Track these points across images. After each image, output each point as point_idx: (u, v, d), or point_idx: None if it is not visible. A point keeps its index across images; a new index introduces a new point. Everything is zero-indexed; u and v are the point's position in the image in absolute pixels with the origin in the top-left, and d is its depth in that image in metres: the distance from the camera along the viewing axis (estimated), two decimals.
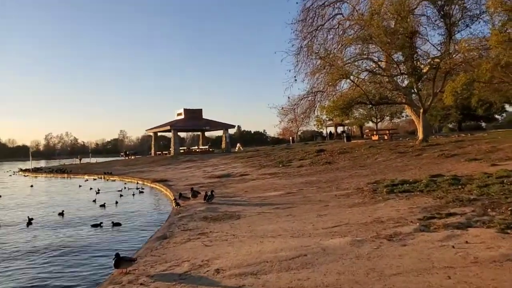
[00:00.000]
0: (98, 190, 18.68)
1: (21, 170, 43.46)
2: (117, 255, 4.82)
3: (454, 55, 19.86)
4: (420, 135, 21.95)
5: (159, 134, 55.86)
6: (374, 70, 22.19)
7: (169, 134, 45.60)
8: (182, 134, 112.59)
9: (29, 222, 10.66)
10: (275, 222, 7.71)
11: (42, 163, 64.47)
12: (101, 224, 9.90)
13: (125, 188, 18.92)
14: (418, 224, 5.99)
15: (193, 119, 46.92)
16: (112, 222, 9.89)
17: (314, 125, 29.04)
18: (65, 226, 10.33)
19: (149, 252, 6.05)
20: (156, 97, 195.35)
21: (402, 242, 5.24)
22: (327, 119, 29.06)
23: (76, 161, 58.51)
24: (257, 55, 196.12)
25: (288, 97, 25.42)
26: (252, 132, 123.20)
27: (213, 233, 7.19)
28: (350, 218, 7.20)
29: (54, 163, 62.97)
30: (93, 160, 61.26)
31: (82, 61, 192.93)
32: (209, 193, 11.06)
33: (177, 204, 10.26)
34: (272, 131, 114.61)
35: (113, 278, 4.76)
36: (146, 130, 52.60)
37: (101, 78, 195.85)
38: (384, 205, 8.03)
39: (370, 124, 50.20)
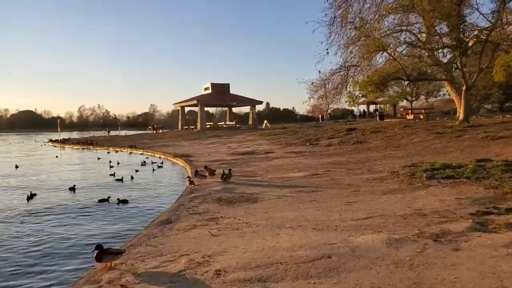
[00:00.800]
0: (118, 163, 18.33)
1: (51, 140, 44.49)
2: (98, 246, 4.01)
3: (506, 27, 17.63)
4: (461, 114, 20.04)
5: (186, 108, 55.62)
6: (414, 43, 20.22)
7: (197, 109, 44.94)
8: (211, 110, 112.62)
9: (30, 197, 10.15)
10: (296, 208, 6.73)
11: (74, 134, 66.20)
12: (109, 199, 9.30)
13: (144, 163, 18.42)
14: (471, 221, 4.82)
15: (221, 94, 46.07)
16: (118, 199, 9.25)
17: (346, 101, 27.27)
18: (71, 203, 9.77)
19: (146, 240, 5.25)
20: (187, 72, 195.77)
21: (454, 245, 4.13)
22: (360, 95, 27.19)
23: (105, 133, 59.48)
24: (288, 25, 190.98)
25: (319, 72, 23.83)
26: (281, 110, 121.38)
27: (224, 219, 6.31)
28: (384, 207, 6.11)
29: (87, 134, 64.36)
30: (122, 132, 62.28)
31: (113, 35, 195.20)
32: (226, 171, 10.19)
33: (191, 182, 9.47)
34: (302, 109, 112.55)
35: (92, 275, 3.97)
36: (173, 104, 52.42)
37: (132, 51, 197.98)
38: (424, 193, 6.84)
39: (404, 103, 47.61)
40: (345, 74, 24.72)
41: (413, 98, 41.13)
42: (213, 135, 34.71)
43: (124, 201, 9.22)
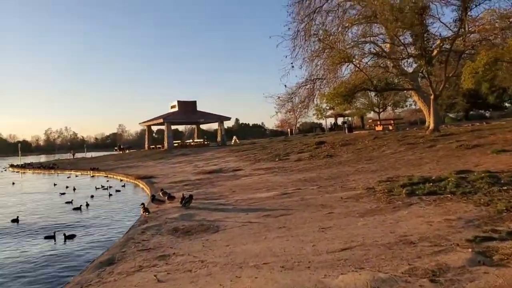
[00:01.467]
0: (74, 189, 16.77)
1: (11, 165, 41.61)
2: None
3: (469, 35, 17.79)
4: (430, 124, 19.94)
5: (155, 127, 53.92)
6: (379, 53, 20.10)
7: (166, 127, 43.40)
8: (180, 128, 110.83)
9: None
10: (262, 238, 5.76)
11: (42, 158, 62.65)
12: (55, 236, 7.97)
13: (102, 187, 16.94)
14: (470, 250, 4.01)
15: (188, 111, 44.88)
16: (64, 235, 7.94)
17: (314, 114, 27.01)
18: (8, 240, 8.36)
19: None
20: (154, 91, 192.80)
21: (458, 287, 3.27)
22: (327, 108, 26.90)
23: (70, 156, 56.50)
24: (255, 42, 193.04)
25: (285, 86, 23.29)
26: (251, 125, 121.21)
27: (176, 257, 5.24)
28: (364, 234, 5.24)
29: (53, 158, 60.89)
30: (89, 154, 59.39)
31: (80, 57, 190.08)
32: (186, 195, 9.10)
33: (146, 210, 8.30)
34: (271, 123, 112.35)
35: None
36: (139, 124, 50.62)
37: (99, 73, 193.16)
38: (407, 214, 6.06)
39: (371, 114, 48.19)
40: (311, 87, 24.36)
41: (381, 110, 41.60)
42: (180, 154, 33.37)
43: (71, 236, 7.92)
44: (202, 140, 46.23)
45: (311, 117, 53.04)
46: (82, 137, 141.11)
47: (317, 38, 20.24)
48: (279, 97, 24.01)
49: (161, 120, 42.55)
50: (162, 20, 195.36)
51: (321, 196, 8.90)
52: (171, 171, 20.87)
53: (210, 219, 7.56)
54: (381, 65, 20.67)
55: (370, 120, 35.84)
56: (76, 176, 26.86)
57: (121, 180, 20.37)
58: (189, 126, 57.86)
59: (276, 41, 21.77)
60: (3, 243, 8.07)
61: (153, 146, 46.18)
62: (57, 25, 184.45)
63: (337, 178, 11.84)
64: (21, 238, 8.49)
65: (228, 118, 47.13)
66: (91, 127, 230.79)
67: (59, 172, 30.84)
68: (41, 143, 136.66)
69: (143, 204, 8.31)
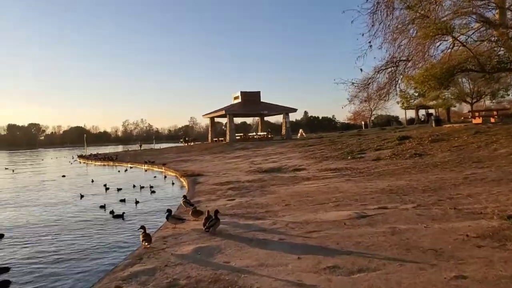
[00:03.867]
0: (119, 189, 14.93)
1: (79, 156, 42.95)
2: None
3: None
4: None
5: (218, 120, 52.54)
6: (492, 21, 15.28)
7: (228, 119, 41.30)
8: (249, 120, 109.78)
9: None
10: None
11: (119, 148, 65.32)
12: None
13: (142, 187, 14.87)
14: None
15: (250, 102, 42.32)
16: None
17: (399, 102, 22.35)
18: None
19: None
20: (225, 83, 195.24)
21: None
22: (415, 94, 22.13)
23: (138, 146, 57.72)
24: (327, 19, 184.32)
25: (361, 69, 19.17)
26: (320, 118, 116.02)
27: None
28: None
29: (129, 148, 63.01)
30: (157, 146, 60.34)
31: (152, 54, 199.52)
32: (213, 215, 6.16)
33: (146, 238, 5.47)
34: (342, 116, 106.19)
35: None
36: (203, 116, 49.37)
37: (175, 67, 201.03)
38: None
39: (456, 108, 41.42)
40: (393, 71, 19.96)
41: (474, 100, 35.02)
42: (241, 148, 30.91)
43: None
44: (265, 133, 43.45)
45: (388, 108, 47.62)
46: (157, 128, 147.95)
47: (405, 5, 15.98)
48: (353, 83, 20.03)
49: (223, 112, 40.56)
50: (222, 14, 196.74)
51: (426, 228, 5.37)
52: (224, 167, 18.29)
53: (237, 265, 4.52)
54: (491, 38, 15.82)
55: (468, 111, 29.72)
56: (131, 168, 25.80)
57: (165, 177, 18.29)
58: (257, 118, 55.19)
59: (351, 17, 17.68)
60: None
61: (216, 139, 44.58)
62: (133, 26, 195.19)
63: (440, 190, 8.07)
64: None
65: (294, 110, 43.67)
66: (165, 119, 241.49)
67: (117, 164, 30.25)
68: (120, 134, 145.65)
69: (142, 228, 5.59)
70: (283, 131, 42.14)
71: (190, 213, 7.13)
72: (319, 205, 7.72)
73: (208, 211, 6.48)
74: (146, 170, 23.60)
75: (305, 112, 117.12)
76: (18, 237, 7.93)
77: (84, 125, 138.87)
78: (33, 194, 14.76)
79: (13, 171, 27.93)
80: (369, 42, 18.52)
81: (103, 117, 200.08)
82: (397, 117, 60.50)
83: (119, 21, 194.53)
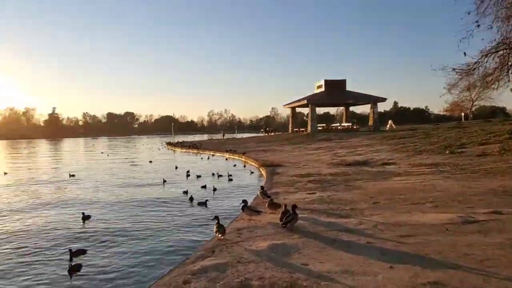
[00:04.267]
0: (198, 176, 15.27)
1: (167, 143, 45.89)
2: None
3: None
4: None
5: (297, 109, 51.73)
6: None
7: (310, 110, 40.35)
8: (332, 110, 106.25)
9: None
10: None
11: (205, 137, 68.92)
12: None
13: (219, 175, 14.97)
14: None
15: (335, 91, 40.63)
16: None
17: None
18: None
19: None
20: (307, 71, 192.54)
21: None
22: None
23: (221, 136, 59.79)
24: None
25: (464, 54, 16.80)
26: (411, 109, 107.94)
27: None
28: None
29: (215, 137, 66.03)
30: (238, 135, 61.92)
31: (238, 43, 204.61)
32: (290, 209, 5.62)
33: (220, 229, 5.15)
34: (437, 107, 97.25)
35: None
36: (283, 106, 49.01)
37: (258, 55, 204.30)
38: None
39: None
40: (506, 53, 17.23)
41: None
42: (323, 139, 29.87)
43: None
44: (350, 124, 41.52)
45: (493, 98, 42.15)
46: (239, 119, 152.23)
47: None
48: (454, 69, 17.74)
49: (305, 102, 39.61)
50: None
51: None
52: (304, 159, 17.64)
53: (316, 269, 3.94)
54: None
55: None
56: (213, 155, 26.58)
57: (245, 166, 18.22)
58: (341, 108, 52.74)
59: None
60: None
61: (297, 130, 43.94)
62: (222, 20, 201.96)
63: None
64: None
65: (383, 99, 40.84)
66: (247, 110, 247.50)
67: (201, 151, 31.44)
68: (205, 123, 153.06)
69: (216, 218, 5.29)
70: (371, 122, 39.80)
71: (266, 205, 6.70)
72: (414, 205, 6.71)
73: (285, 205, 5.96)
74: (226, 159, 24.04)
75: (395, 103, 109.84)
76: (103, 217, 8.34)
77: (173, 114, 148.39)
78: (120, 177, 15.81)
79: (107, 155, 30.71)
80: (476, 21, 16.15)
81: (191, 106, 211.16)
82: (503, 108, 53.22)
83: (210, 18, 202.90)
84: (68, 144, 65.56)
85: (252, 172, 15.79)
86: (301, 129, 43.08)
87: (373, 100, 39.99)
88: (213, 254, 4.60)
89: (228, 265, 4.17)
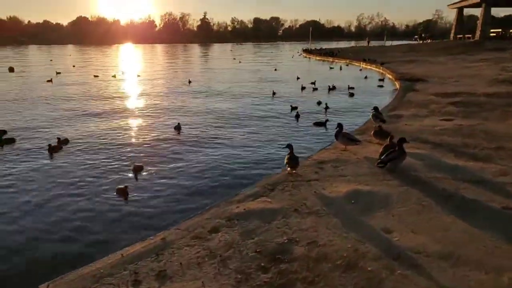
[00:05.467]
0: (313, 83, 13.79)
1: (304, 50, 44.02)
2: None
3: None
4: None
5: (465, 11, 42.08)
6: None
7: (482, 10, 32.07)
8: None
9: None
10: None
11: (351, 44, 64.50)
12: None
13: (331, 88, 13.12)
14: None
15: None
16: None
17: None
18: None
19: None
20: None
21: None
22: None
23: (366, 43, 54.37)
24: None
25: None
26: None
27: None
28: None
29: (361, 44, 61.13)
30: (388, 43, 55.43)
31: None
32: (396, 143, 4.06)
33: (291, 161, 4.02)
34: None
35: None
36: (448, 6, 40.28)
37: None
38: None
39: None
40: None
41: None
42: (493, 48, 23.82)
43: None
44: None
45: None
46: (393, 24, 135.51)
47: None
48: None
49: (478, 0, 31.48)
50: None
51: None
52: (458, 73, 14.16)
53: (401, 244, 2.61)
54: None
55: None
56: (347, 65, 24.13)
57: (382, 79, 15.66)
58: None
59: None
60: None
61: (461, 36, 36.21)
62: None
63: None
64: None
65: None
66: (404, 13, 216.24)
67: (335, 60, 28.95)
68: (353, 29, 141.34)
69: (289, 146, 4.10)
70: None
71: (372, 132, 5.19)
72: None
73: (391, 136, 4.40)
74: (361, 69, 21.39)
75: None
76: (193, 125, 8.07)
77: (319, 19, 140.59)
78: (241, 87, 15.14)
79: (239, 62, 30.85)
80: None
81: (339, 10, 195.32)
82: None
83: None
84: (216, 49, 69.09)
85: (381, 86, 13.51)
86: (467, 36, 35.34)
87: None
88: (270, 193, 3.62)
89: (279, 214, 3.15)
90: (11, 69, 22.42)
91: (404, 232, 2.78)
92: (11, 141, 6.77)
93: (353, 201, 3.34)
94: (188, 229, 2.89)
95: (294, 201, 3.40)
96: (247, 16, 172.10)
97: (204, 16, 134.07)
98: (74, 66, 26.32)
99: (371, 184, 3.71)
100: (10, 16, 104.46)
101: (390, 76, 16.04)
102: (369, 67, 21.84)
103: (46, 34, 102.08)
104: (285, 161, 4.13)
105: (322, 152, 4.95)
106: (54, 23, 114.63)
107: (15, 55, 42.75)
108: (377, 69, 20.10)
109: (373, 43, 53.92)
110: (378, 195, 3.44)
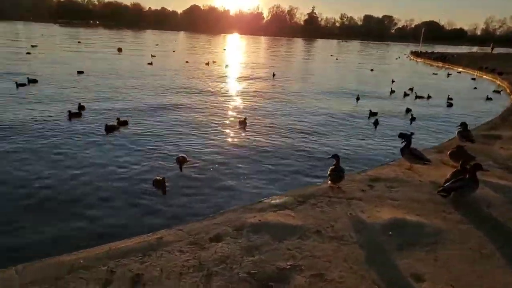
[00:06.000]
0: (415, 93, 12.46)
1: (411, 52, 40.89)
2: None
3: None
4: None
5: None
6: None
7: None
8: None
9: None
10: None
11: (474, 50, 58.10)
12: None
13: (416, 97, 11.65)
14: None
15: None
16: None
17: None
18: None
19: None
20: None
21: None
22: None
23: (490, 49, 47.87)
24: None
25: None
26: None
27: None
28: None
29: (484, 50, 54.56)
30: None
31: None
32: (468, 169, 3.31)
33: (334, 175, 3.51)
34: None
35: None
36: None
37: None
38: None
39: None
40: None
41: None
42: None
43: None
44: None
45: None
46: None
47: None
48: None
49: None
50: None
51: None
52: None
53: None
54: None
55: None
56: (459, 72, 21.45)
57: (499, 92, 13.43)
58: None
59: None
60: None
61: None
62: None
63: None
64: None
65: None
66: None
67: (447, 66, 25.99)
68: (478, 32, 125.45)
69: (335, 156, 3.55)
70: None
71: (448, 152, 4.37)
72: None
73: (463, 161, 3.61)
74: (474, 78, 18.76)
75: None
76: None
77: (438, 20, 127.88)
78: (321, 86, 14.55)
79: (336, 58, 30.01)
80: None
81: (462, 10, 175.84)
82: None
83: None
84: (319, 45, 67.87)
85: (489, 98, 11.63)
86: None
87: None
88: (298, 206, 3.23)
89: (297, 232, 2.76)
90: (120, 49, 25.43)
91: (439, 285, 2.20)
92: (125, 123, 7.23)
93: (390, 232, 2.79)
94: (190, 233, 2.70)
95: (321, 220, 2.97)
96: (357, 13, 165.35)
97: (312, 10, 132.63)
98: (174, 51, 28.51)
99: (424, 214, 3.08)
100: (133, 3, 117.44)
101: (507, 88, 13.76)
102: (484, 76, 19.07)
103: (163, 21, 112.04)
104: (328, 172, 3.68)
105: (381, 168, 4.33)
106: (171, 10, 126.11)
107: (130, 38, 47.46)
108: (493, 79, 17.46)
109: (499, 50, 47.36)
110: (426, 230, 2.83)
